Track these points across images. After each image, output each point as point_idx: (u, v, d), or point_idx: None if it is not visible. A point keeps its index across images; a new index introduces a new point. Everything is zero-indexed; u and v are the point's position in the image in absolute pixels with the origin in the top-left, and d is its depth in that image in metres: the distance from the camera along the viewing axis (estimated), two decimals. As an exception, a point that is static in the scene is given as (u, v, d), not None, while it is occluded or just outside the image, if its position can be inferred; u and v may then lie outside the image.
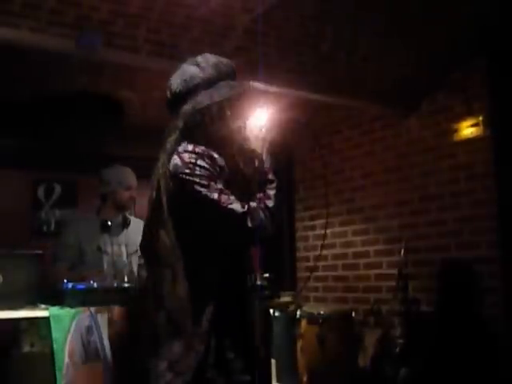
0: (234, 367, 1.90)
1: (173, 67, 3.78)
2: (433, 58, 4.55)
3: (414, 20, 4.07)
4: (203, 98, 2.02)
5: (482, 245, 4.53)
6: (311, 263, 5.97)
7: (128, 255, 3.90)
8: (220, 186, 1.90)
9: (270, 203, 1.95)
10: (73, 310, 2.89)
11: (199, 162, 1.91)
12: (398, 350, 4.27)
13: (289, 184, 6.38)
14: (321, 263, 5.80)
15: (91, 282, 3.07)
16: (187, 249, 1.94)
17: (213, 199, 1.87)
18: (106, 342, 2.91)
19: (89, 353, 2.87)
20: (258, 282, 3.35)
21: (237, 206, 1.88)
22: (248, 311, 2.07)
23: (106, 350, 2.91)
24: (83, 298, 2.94)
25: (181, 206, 1.93)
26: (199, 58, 2.11)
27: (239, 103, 2.10)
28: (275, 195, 1.98)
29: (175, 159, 1.95)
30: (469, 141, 4.69)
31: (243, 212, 1.88)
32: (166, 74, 4.18)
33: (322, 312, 4.25)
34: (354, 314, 4.56)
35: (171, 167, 1.95)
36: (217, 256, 1.96)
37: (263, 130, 2.10)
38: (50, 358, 2.80)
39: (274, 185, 2.01)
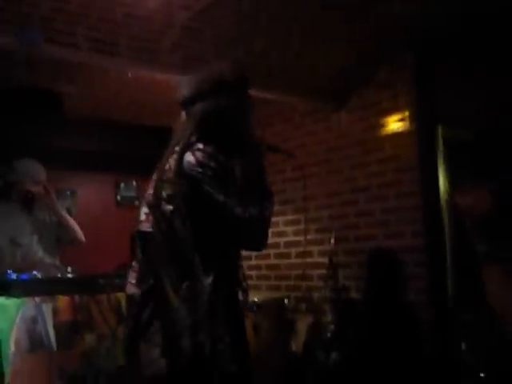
0: (224, 358, 2.01)
1: (112, 63, 3.95)
2: (362, 56, 4.70)
3: (344, 20, 4.21)
4: (222, 101, 2.16)
5: (408, 234, 4.72)
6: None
7: (36, 243, 3.92)
8: (226, 189, 2.00)
9: (267, 213, 2.06)
10: (18, 300, 2.94)
11: (211, 163, 2.01)
12: (328, 335, 4.48)
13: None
14: (254, 253, 5.95)
15: (34, 272, 3.16)
16: (192, 244, 2.03)
17: (218, 200, 1.98)
18: (51, 331, 3.00)
19: (34, 341, 2.93)
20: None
21: (240, 212, 1.97)
22: (239, 307, 2.20)
23: (51, 339, 2.99)
24: (28, 288, 3.01)
25: (189, 202, 2.03)
26: (223, 64, 2.25)
27: (252, 113, 2.26)
28: (270, 206, 2.09)
29: (188, 156, 2.04)
30: (395, 135, 4.86)
31: (245, 218, 1.98)
32: (106, 69, 4.32)
33: (256, 300, 4.44)
34: (286, 302, 4.78)
35: (185, 164, 2.04)
36: (218, 253, 2.08)
37: (263, 143, 2.23)
38: None
39: (271, 197, 2.12)
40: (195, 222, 2.03)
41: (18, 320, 2.94)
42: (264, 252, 5.82)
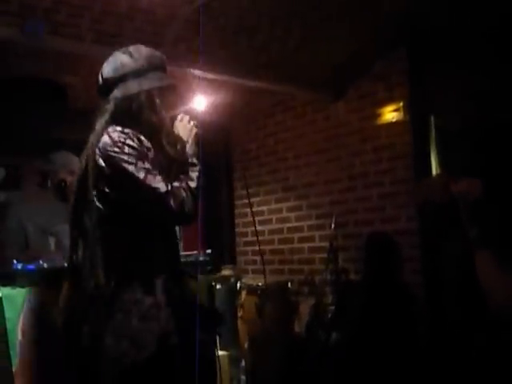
0: (189, 330, 1.91)
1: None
2: (358, 49, 4.57)
3: (341, 15, 4.07)
4: (133, 86, 1.99)
5: (403, 218, 4.60)
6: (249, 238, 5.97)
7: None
8: (147, 165, 1.86)
9: (193, 184, 1.93)
10: (24, 290, 2.74)
11: (128, 141, 1.88)
12: (329, 315, 4.34)
13: (227, 164, 6.35)
14: (258, 238, 5.78)
15: (40, 262, 2.94)
16: (121, 225, 1.91)
17: (138, 177, 1.83)
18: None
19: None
20: (201, 258, 3.33)
21: (161, 185, 1.84)
22: (186, 284, 2.10)
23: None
24: (34, 278, 2.78)
25: (108, 183, 1.89)
26: (131, 48, 2.06)
27: (168, 94, 2.08)
28: (197, 177, 1.97)
29: (104, 137, 1.91)
30: (391, 124, 4.73)
31: (166, 191, 1.84)
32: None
33: (260, 283, 4.26)
34: (289, 285, 4.61)
35: (101, 145, 1.90)
36: (150, 232, 1.93)
37: (193, 121, 2.11)
38: (3, 336, 2.66)
39: (196, 168, 2.00)
40: (119, 205, 1.90)
41: (24, 309, 2.75)
42: (268, 237, 5.73)
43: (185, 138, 2.06)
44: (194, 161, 2.01)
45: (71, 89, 4.29)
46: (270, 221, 5.74)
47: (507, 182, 3.20)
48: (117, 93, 2.00)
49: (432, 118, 4.55)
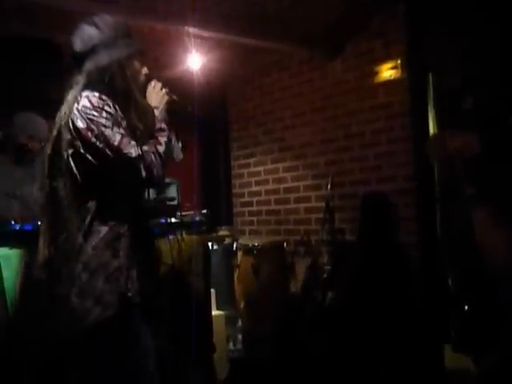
0: (148, 294, 2.04)
1: (108, 11, 3.64)
2: (355, 5, 4.48)
3: None
4: (103, 57, 2.06)
5: (399, 178, 4.61)
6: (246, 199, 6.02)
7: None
8: (122, 131, 1.95)
9: (161, 148, 2.04)
10: (21, 250, 2.73)
11: (106, 107, 1.96)
12: (325, 275, 4.40)
13: (223, 124, 6.35)
14: (255, 198, 5.83)
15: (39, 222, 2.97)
16: (92, 187, 1.99)
17: (114, 141, 1.93)
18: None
19: None
20: (197, 218, 3.39)
21: (133, 150, 1.93)
22: (151, 246, 2.20)
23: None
24: (31, 238, 2.85)
25: (84, 144, 1.96)
26: (96, 19, 2.11)
27: (137, 59, 2.15)
28: (165, 142, 2.07)
29: (84, 101, 1.97)
30: (388, 82, 4.70)
31: (137, 156, 1.94)
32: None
33: (256, 244, 4.31)
34: (285, 245, 4.67)
35: (80, 107, 1.96)
36: (120, 193, 2.03)
37: (165, 88, 2.19)
38: (1, 296, 2.68)
39: (165, 133, 2.10)
40: (92, 167, 1.97)
41: (21, 269, 2.76)
42: (264, 198, 5.78)
43: (156, 105, 2.15)
44: (163, 126, 2.11)
45: (66, 48, 4.21)
46: (266, 181, 5.77)
47: (505, 139, 3.22)
48: (88, 65, 2.06)
49: (430, 76, 4.50)
